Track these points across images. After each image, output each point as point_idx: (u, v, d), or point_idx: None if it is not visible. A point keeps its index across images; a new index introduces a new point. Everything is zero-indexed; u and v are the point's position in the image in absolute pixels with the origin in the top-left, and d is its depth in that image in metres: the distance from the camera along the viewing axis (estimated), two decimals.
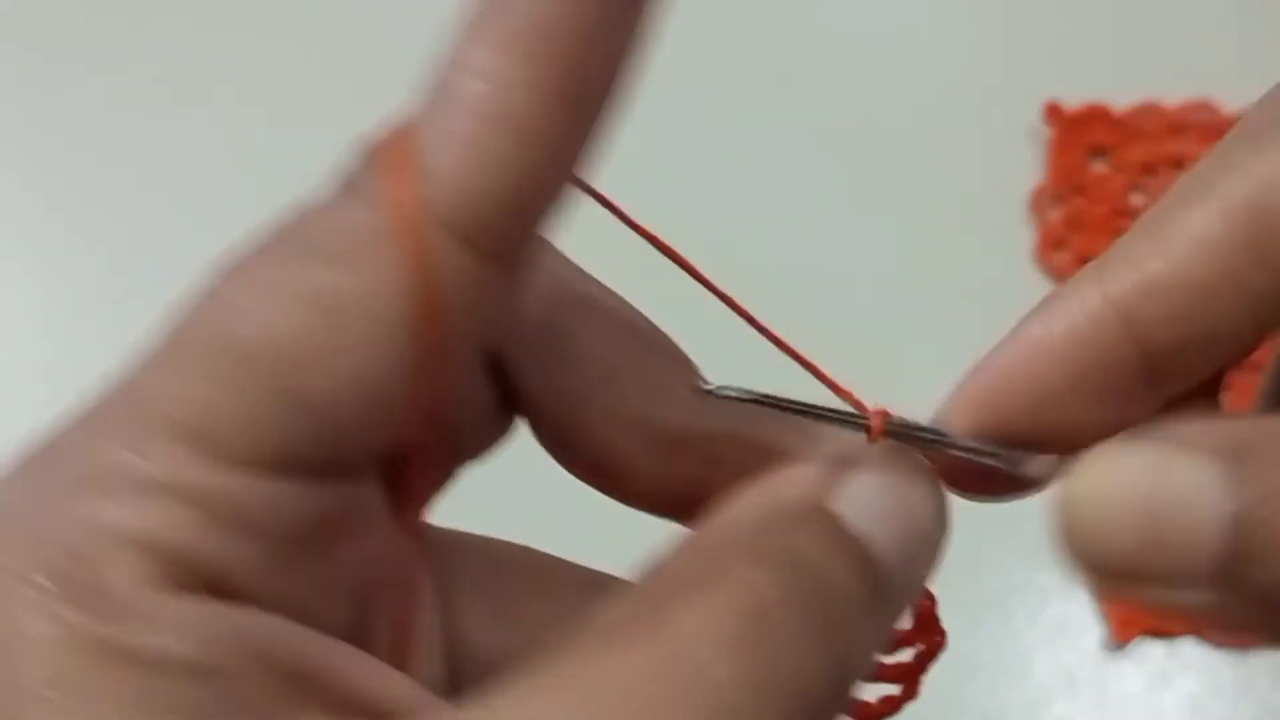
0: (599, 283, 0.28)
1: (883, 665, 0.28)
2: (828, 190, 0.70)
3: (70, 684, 0.21)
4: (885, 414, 0.26)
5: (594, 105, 0.24)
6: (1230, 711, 0.59)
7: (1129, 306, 0.26)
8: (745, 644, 0.22)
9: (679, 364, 0.28)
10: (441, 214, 0.23)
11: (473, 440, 0.29)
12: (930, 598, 0.27)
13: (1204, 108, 0.70)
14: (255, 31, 0.74)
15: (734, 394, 0.25)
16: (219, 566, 0.23)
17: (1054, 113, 0.70)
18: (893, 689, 0.28)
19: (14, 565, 0.22)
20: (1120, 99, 0.70)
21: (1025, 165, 0.70)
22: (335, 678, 0.24)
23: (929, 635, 0.28)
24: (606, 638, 0.23)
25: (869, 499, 0.25)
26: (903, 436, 0.26)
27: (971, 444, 0.26)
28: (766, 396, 0.26)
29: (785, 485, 0.26)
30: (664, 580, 0.24)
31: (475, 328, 0.24)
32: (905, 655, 0.28)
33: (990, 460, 0.26)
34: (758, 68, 0.73)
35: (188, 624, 0.22)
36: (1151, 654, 0.59)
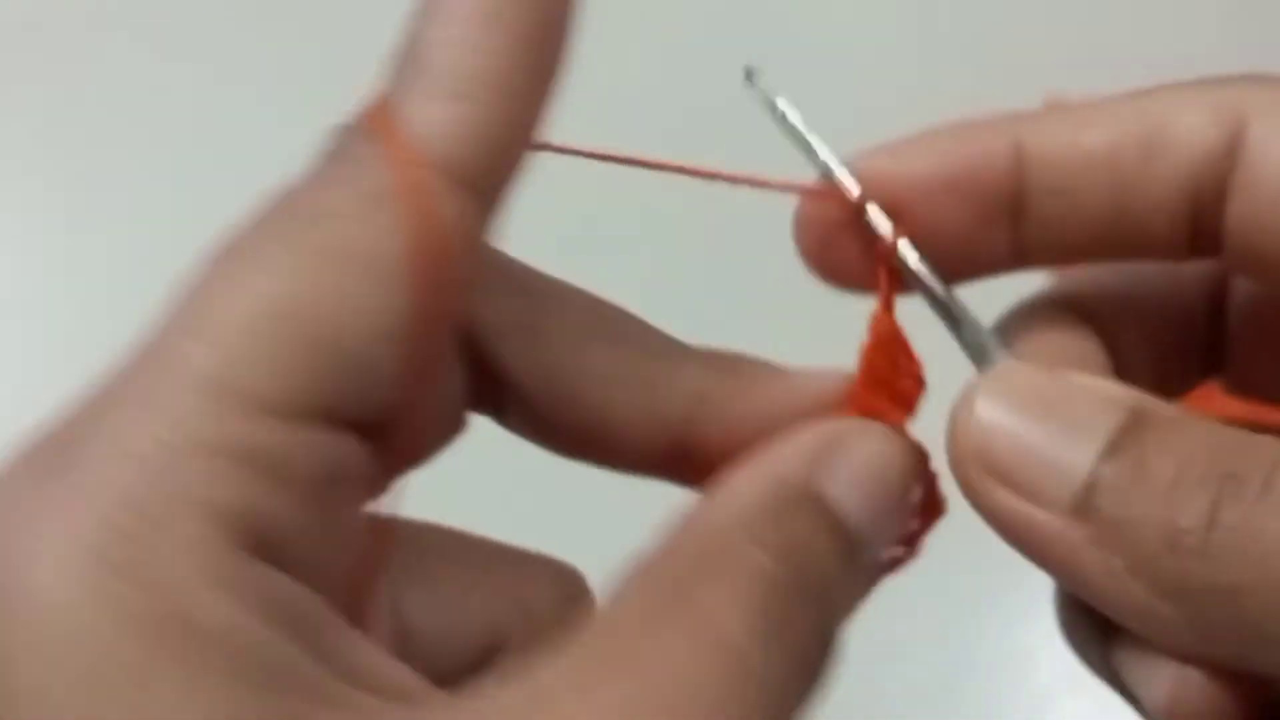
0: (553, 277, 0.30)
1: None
2: None
3: (127, 663, 0.21)
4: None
5: (550, 58, 0.26)
6: None
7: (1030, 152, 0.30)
8: (769, 625, 0.24)
9: (646, 328, 0.30)
10: (439, 162, 0.24)
11: (433, 431, 0.29)
12: (932, 474, 0.30)
13: None
14: (258, 32, 0.75)
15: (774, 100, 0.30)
16: (267, 520, 0.23)
17: None
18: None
19: (61, 540, 0.21)
20: None
21: None
22: (349, 654, 0.23)
23: (932, 506, 0.30)
24: (631, 620, 0.24)
25: (844, 475, 0.27)
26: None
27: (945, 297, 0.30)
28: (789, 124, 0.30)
29: (774, 465, 0.27)
30: (679, 560, 0.25)
31: (473, 268, 0.25)
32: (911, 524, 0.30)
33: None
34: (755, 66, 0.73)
35: (249, 592, 0.22)
36: None
